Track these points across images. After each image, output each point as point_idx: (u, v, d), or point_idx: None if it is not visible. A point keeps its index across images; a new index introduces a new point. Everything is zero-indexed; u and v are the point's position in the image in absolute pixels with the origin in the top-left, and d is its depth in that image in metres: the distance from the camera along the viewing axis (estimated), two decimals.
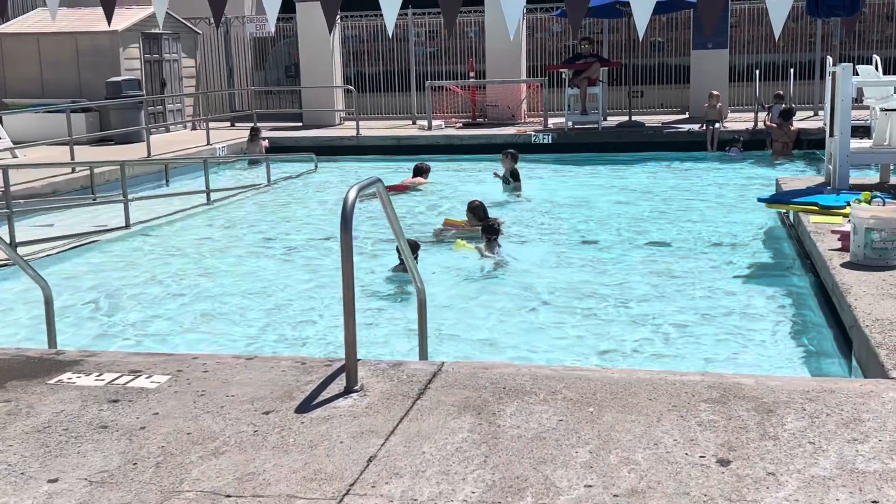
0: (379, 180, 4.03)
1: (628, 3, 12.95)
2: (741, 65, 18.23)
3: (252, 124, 16.43)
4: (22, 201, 10.21)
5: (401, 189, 12.10)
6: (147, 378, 3.90)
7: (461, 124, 18.02)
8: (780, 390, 3.57)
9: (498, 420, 3.34)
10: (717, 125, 15.17)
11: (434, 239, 9.17)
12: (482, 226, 8.69)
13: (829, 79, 9.24)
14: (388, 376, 3.82)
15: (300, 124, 18.78)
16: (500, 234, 8.59)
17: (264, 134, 16.11)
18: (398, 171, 13.52)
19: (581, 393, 3.57)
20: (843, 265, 5.89)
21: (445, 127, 17.72)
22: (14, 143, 14.03)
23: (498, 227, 8.58)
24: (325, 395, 3.65)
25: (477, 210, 9.18)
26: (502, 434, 3.22)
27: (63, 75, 17.18)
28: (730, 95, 17.21)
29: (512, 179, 11.71)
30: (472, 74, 18.78)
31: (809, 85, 17.76)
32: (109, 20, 12.02)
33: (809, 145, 14.56)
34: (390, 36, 15.06)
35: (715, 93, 15.34)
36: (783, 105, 15.35)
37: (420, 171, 12.71)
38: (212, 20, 18.30)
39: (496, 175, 11.97)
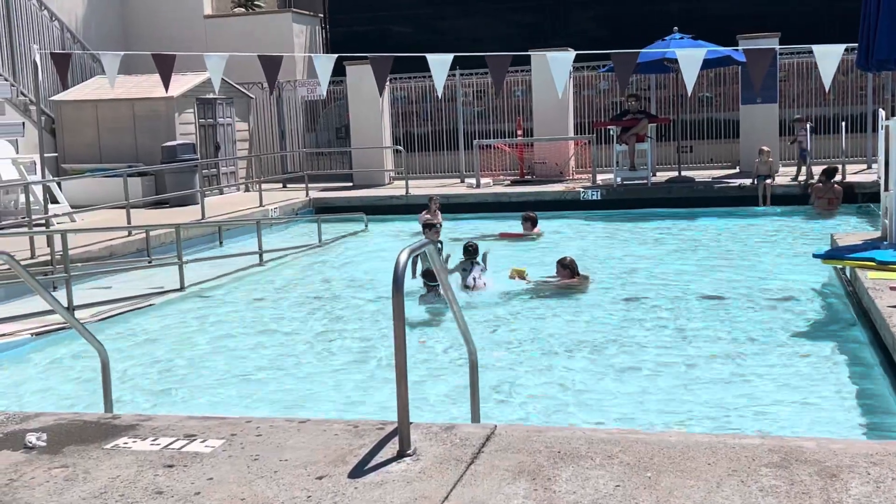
0: (430, 243, 4.05)
1: (676, 59, 13.11)
2: (791, 119, 18.09)
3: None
4: (80, 264, 10.42)
5: (518, 237, 12.88)
6: (202, 442, 3.91)
7: (509, 182, 18.09)
8: (843, 454, 3.47)
9: (553, 485, 3.29)
10: (768, 180, 15.04)
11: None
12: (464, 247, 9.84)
13: (881, 132, 9.14)
14: (441, 440, 3.79)
15: (350, 184, 19.02)
16: (475, 255, 9.59)
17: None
18: (449, 229, 13.53)
19: (638, 457, 3.51)
20: None
21: (493, 185, 17.80)
22: (72, 207, 14.38)
23: (473, 248, 9.60)
24: (378, 459, 3.62)
25: (569, 265, 9.50)
26: (558, 500, 3.17)
27: (120, 140, 17.64)
28: (780, 150, 17.07)
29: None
30: (519, 132, 18.91)
31: (861, 138, 17.57)
32: (167, 87, 12.46)
33: (864, 199, 14.34)
34: (439, 97, 15.28)
35: (766, 148, 15.22)
36: (805, 126, 15.35)
37: (533, 221, 13.08)
38: (265, 85, 18.68)
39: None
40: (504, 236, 13.11)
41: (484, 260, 9.90)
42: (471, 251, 9.84)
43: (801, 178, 15.54)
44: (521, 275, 9.60)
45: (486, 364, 6.25)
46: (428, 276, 8.59)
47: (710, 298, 8.94)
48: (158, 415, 4.74)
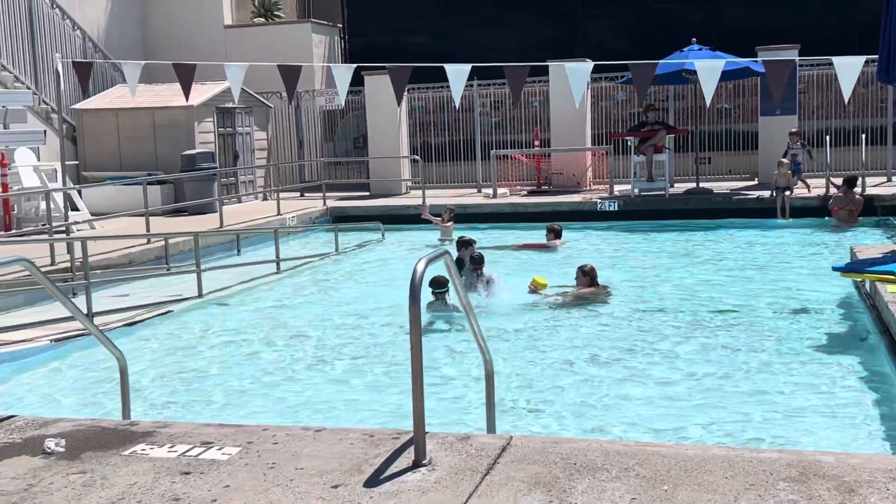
0: (447, 252, 4.06)
1: (694, 70, 13.09)
2: (811, 130, 18.03)
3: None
4: (99, 271, 10.49)
5: (541, 247, 12.92)
6: (218, 450, 3.93)
7: (526, 192, 18.10)
8: (862, 468, 3.45)
9: (569, 497, 3.28)
10: (787, 192, 14.97)
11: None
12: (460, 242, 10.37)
13: None
14: (457, 450, 3.79)
15: (367, 194, 19.07)
16: (481, 263, 9.75)
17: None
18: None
19: (654, 470, 3.50)
20: None
21: (510, 195, 17.81)
22: (92, 214, 14.48)
23: (479, 257, 9.80)
24: (394, 468, 3.63)
25: (589, 273, 9.57)
26: None
27: (140, 148, 17.77)
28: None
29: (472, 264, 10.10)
30: (536, 143, 18.91)
31: (882, 150, 17.47)
32: (187, 96, 12.55)
33: (883, 212, 14.26)
34: (457, 107, 15.31)
35: (785, 160, 15.16)
36: (798, 141, 15.45)
37: (557, 233, 13.06)
38: (284, 95, 18.72)
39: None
40: (526, 246, 13.10)
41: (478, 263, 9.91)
42: (477, 260, 9.87)
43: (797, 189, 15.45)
44: (540, 287, 9.62)
45: (501, 373, 6.25)
46: (435, 283, 8.59)
47: (727, 311, 8.90)
48: (175, 422, 4.77)
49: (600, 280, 9.70)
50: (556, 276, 10.22)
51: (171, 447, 3.99)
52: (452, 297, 8.70)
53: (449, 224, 13.87)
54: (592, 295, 9.47)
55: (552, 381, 6.83)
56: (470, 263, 9.88)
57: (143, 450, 3.98)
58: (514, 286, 9.79)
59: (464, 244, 10.44)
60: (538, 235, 13.48)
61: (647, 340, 7.92)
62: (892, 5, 8.09)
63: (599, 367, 7.17)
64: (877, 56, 8.65)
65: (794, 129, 16.08)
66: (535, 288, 9.66)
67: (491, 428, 4.51)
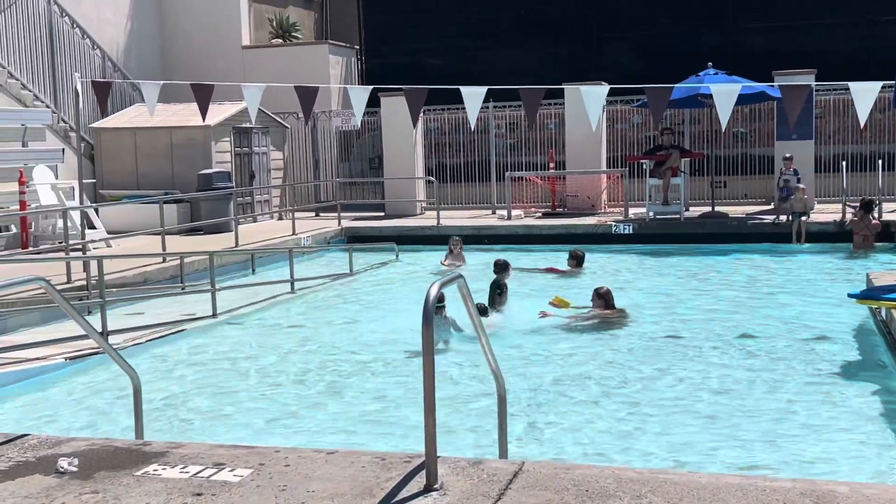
0: (461, 276, 4.06)
1: (710, 94, 13.08)
2: (827, 155, 17.98)
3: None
4: (114, 290, 10.54)
5: (560, 272, 12.88)
6: (230, 471, 3.93)
7: (540, 214, 18.10)
8: (878, 499, 3.42)
9: None
10: (803, 217, 14.92)
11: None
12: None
13: None
14: (468, 475, 3.78)
15: (382, 214, 19.12)
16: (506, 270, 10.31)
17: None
18: (479, 262, 13.52)
19: (667, 498, 3.47)
20: None
21: (525, 217, 17.82)
22: (109, 232, 14.57)
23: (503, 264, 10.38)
24: (405, 493, 3.62)
25: (605, 296, 9.63)
26: None
27: (157, 167, 17.89)
28: (816, 186, 16.95)
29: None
30: (551, 165, 18.93)
31: None
32: (204, 116, 12.62)
33: None
34: (472, 129, 15.35)
35: (801, 185, 15.11)
36: (791, 167, 15.49)
37: (578, 259, 12.97)
38: (300, 115, 18.77)
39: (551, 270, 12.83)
40: (550, 271, 13.04)
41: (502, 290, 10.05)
42: (500, 267, 10.04)
43: (782, 216, 15.39)
44: (562, 305, 9.71)
45: (513, 395, 6.23)
46: (440, 300, 8.58)
47: (743, 337, 8.86)
48: (188, 442, 4.77)
49: (617, 303, 9.69)
50: (576, 298, 10.23)
51: (183, 468, 4.00)
52: (450, 312, 8.68)
53: (458, 254, 13.75)
54: (608, 318, 9.45)
55: (566, 404, 6.80)
56: (494, 270, 10.38)
57: (156, 470, 3.98)
58: (533, 307, 9.83)
59: (503, 267, 10.71)
60: (552, 257, 13.46)
61: (661, 365, 7.89)
62: None
63: (613, 391, 7.14)
64: (893, 82, 8.62)
65: (787, 155, 16.05)
66: (557, 304, 9.81)
67: (503, 453, 4.49)
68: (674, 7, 22.26)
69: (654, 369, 7.75)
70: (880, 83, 10.20)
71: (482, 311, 8.61)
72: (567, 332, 9.20)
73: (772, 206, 16.29)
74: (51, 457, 4.19)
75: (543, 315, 9.56)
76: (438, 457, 3.73)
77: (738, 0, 21.62)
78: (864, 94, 10.21)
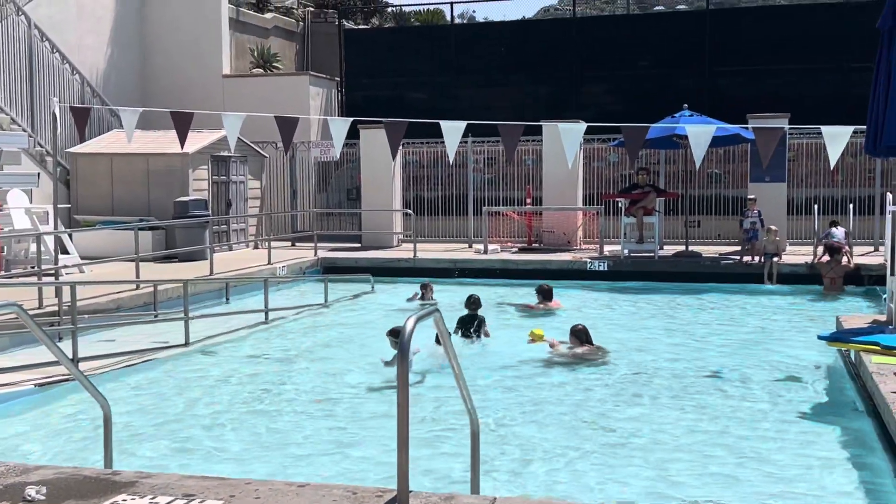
0: (437, 310, 4.08)
1: (685, 135, 13.26)
2: (799, 198, 18.23)
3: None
4: (87, 316, 10.46)
5: (535, 308, 12.85)
6: (200, 503, 3.90)
7: (517, 249, 18.18)
8: None
9: None
10: (775, 258, 15.09)
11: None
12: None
13: (889, 216, 9.19)
14: None
15: (358, 245, 19.13)
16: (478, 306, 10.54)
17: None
18: (454, 293, 13.55)
19: None
20: None
21: (501, 251, 17.89)
22: (83, 258, 14.47)
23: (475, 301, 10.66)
24: None
25: (579, 334, 9.73)
26: None
27: (133, 194, 17.82)
28: (788, 228, 17.16)
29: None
30: (528, 201, 19.05)
31: (869, 220, 17.65)
32: (183, 143, 12.63)
33: (870, 281, 14.36)
34: (451, 162, 15.43)
35: (773, 227, 15.30)
36: (755, 210, 15.64)
37: (546, 294, 12.98)
38: (279, 145, 18.79)
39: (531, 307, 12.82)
40: (526, 307, 13.03)
41: (480, 326, 10.13)
42: (473, 303, 10.15)
43: (747, 258, 15.59)
44: (538, 338, 9.84)
45: (487, 430, 6.22)
46: (395, 334, 8.53)
47: (714, 377, 8.92)
48: (158, 473, 4.73)
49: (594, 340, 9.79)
50: (552, 332, 10.31)
51: (152, 498, 3.96)
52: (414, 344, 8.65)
53: (429, 299, 13.71)
54: (585, 355, 9.49)
55: (538, 440, 6.81)
56: (466, 305, 10.57)
57: (125, 500, 3.94)
58: (511, 340, 9.90)
59: (476, 303, 10.84)
60: (527, 293, 13.49)
61: (634, 402, 7.93)
62: (880, 81, 8.25)
63: (587, 427, 7.16)
64: (865, 127, 8.79)
65: (751, 196, 16.30)
66: (533, 339, 9.99)
67: (475, 489, 4.49)
68: (652, 50, 22.61)
69: (628, 406, 7.79)
70: (851, 128, 10.40)
71: (397, 333, 8.62)
72: (544, 366, 9.23)
73: (738, 249, 16.48)
74: (18, 485, 4.14)
75: (532, 342, 9.80)
76: (411, 492, 3.73)
77: (714, 45, 21.99)
78: (836, 138, 10.40)
